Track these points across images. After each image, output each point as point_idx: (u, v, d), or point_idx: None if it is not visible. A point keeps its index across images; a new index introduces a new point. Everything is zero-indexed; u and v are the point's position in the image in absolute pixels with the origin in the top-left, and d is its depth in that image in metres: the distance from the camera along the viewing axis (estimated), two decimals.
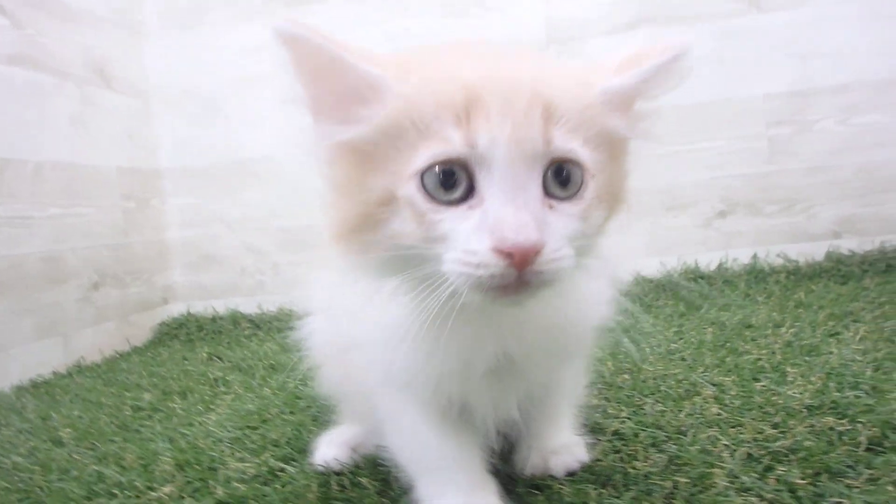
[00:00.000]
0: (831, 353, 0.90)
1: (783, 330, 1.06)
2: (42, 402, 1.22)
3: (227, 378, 1.26)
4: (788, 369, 0.85)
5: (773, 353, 0.94)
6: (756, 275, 1.51)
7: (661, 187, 1.64)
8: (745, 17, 1.57)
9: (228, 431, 0.90)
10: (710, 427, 0.70)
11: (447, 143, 0.40)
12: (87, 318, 1.62)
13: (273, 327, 1.69)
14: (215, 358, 1.46)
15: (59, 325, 1.54)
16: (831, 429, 0.65)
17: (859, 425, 0.64)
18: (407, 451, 0.56)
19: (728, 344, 1.02)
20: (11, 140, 1.45)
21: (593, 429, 0.73)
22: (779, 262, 1.57)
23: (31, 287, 1.46)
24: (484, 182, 0.40)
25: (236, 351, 1.51)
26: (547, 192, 0.42)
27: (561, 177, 0.42)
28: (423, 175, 0.41)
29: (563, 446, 0.63)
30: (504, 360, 0.51)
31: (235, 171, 1.86)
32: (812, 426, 0.66)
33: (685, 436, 0.69)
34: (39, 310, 1.48)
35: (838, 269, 1.46)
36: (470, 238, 0.40)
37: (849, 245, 1.54)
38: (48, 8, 1.58)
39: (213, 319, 1.85)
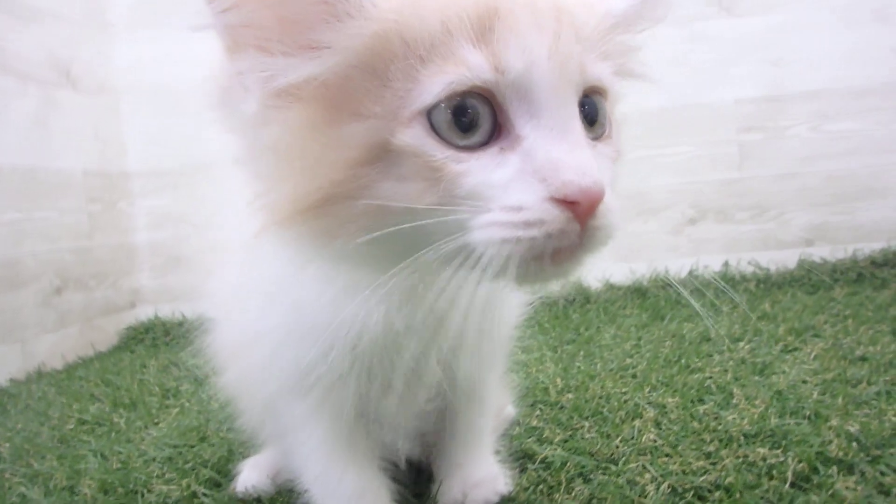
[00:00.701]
0: (783, 372, 0.88)
1: (741, 345, 1.04)
2: None
3: (180, 388, 1.23)
4: (735, 390, 0.82)
5: (725, 370, 0.92)
6: (727, 282, 1.49)
7: (630, 192, 1.61)
8: (714, 20, 1.54)
9: (162, 450, 0.88)
10: (642, 455, 0.68)
11: (467, 67, 0.30)
12: (48, 323, 1.59)
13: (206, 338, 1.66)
14: (173, 366, 1.44)
15: (17, 331, 1.51)
16: (763, 460, 0.63)
17: (790, 456, 0.62)
18: (309, 479, 0.50)
19: (682, 360, 0.99)
20: None
21: (524, 454, 0.71)
22: (750, 269, 1.54)
23: None
24: (520, 116, 0.31)
25: (198, 357, 1.48)
26: None
27: (588, 111, 0.34)
28: (430, 112, 0.30)
29: (483, 479, 0.58)
30: (425, 360, 0.45)
31: (203, 173, 1.83)
32: (744, 457, 0.64)
33: (615, 465, 0.66)
34: None
35: (809, 278, 1.44)
36: (513, 189, 0.31)
37: (821, 253, 1.52)
38: (10, 10, 1.54)
39: (180, 324, 1.83)
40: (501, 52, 0.30)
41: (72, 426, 1.06)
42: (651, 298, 1.47)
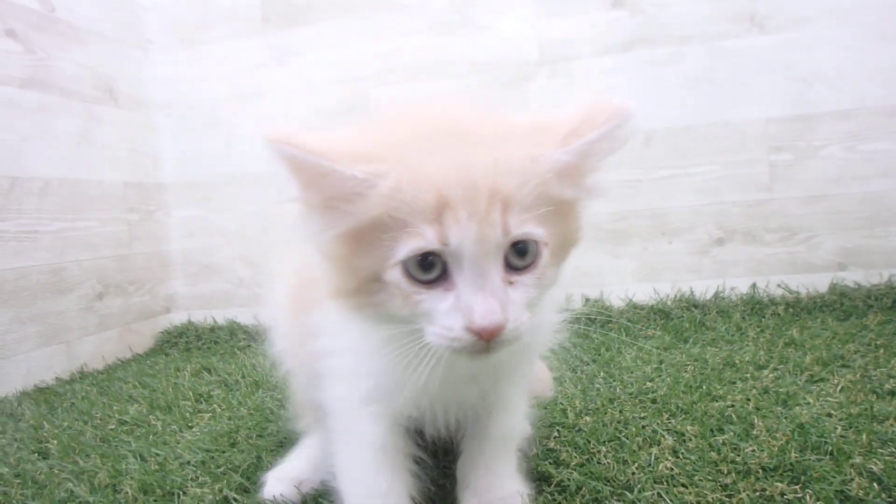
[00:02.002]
0: (807, 403, 0.87)
1: (765, 373, 1.03)
2: (39, 410, 1.26)
3: (212, 393, 1.28)
4: (756, 421, 0.82)
5: (748, 399, 0.92)
6: (753, 306, 1.47)
7: (654, 211, 1.61)
8: (741, 38, 1.53)
9: (196, 454, 0.92)
10: (658, 483, 0.69)
11: (424, 239, 0.46)
12: (90, 326, 1.66)
13: (267, 340, 1.71)
14: (205, 371, 1.49)
15: (63, 334, 1.58)
16: (781, 495, 0.63)
17: (809, 493, 0.62)
18: (346, 478, 0.59)
19: (703, 386, 0.99)
20: (20, 158, 1.50)
21: (541, 476, 0.72)
22: (779, 292, 1.52)
23: (36, 297, 1.51)
24: (455, 271, 0.48)
25: (228, 363, 1.54)
26: (508, 265, 0.49)
27: (518, 249, 0.49)
28: (405, 263, 0.47)
29: (503, 498, 0.63)
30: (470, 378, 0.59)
31: (233, 185, 1.89)
32: (762, 491, 0.64)
33: (630, 492, 0.67)
34: (44, 318, 1.53)
35: (841, 303, 1.41)
36: (447, 317, 0.48)
37: (854, 277, 1.49)
38: (58, 31, 1.63)
39: (212, 329, 1.89)
40: (446, 232, 0.46)
41: (113, 426, 1.11)
42: (675, 320, 1.46)
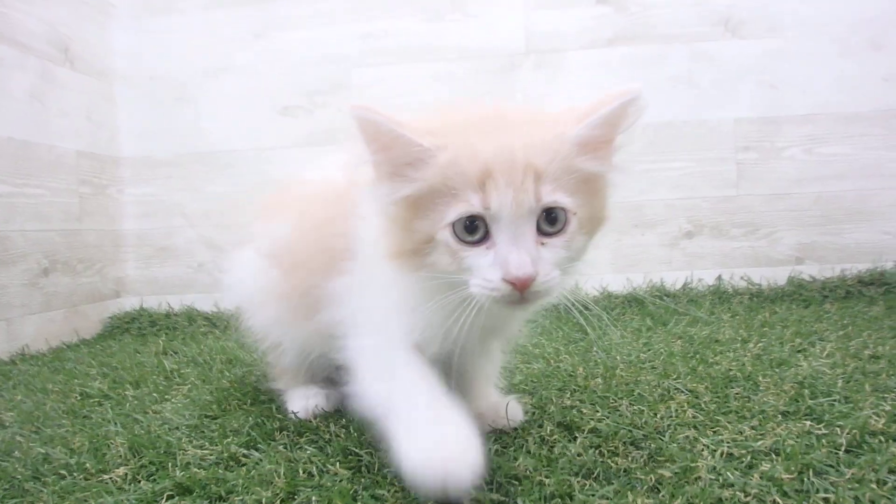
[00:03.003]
0: (800, 365, 0.92)
1: (750, 345, 1.08)
2: None
3: (183, 371, 1.20)
4: (760, 379, 0.85)
5: (744, 364, 0.95)
6: (720, 295, 1.54)
7: (630, 204, 1.66)
8: (717, 41, 1.62)
9: (185, 419, 0.85)
10: (687, 428, 0.70)
11: (470, 204, 0.55)
12: (33, 304, 1.52)
13: (231, 326, 1.62)
14: (169, 352, 1.39)
15: (3, 310, 1.44)
16: (809, 432, 0.65)
17: (837, 429, 0.65)
18: (397, 393, 0.62)
19: (697, 355, 1.03)
20: None
21: (570, 426, 0.72)
22: (742, 284, 1.60)
23: None
24: (495, 233, 0.55)
25: (192, 347, 1.45)
26: (541, 231, 0.56)
27: (550, 217, 0.56)
28: (454, 224, 0.55)
29: (497, 402, 0.75)
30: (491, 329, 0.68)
31: (199, 164, 1.80)
32: (789, 429, 0.66)
33: (663, 436, 0.68)
34: None
35: (800, 294, 1.50)
36: (488, 271, 0.55)
37: (809, 271, 1.59)
38: None
39: (167, 315, 1.78)
40: (488, 198, 0.54)
41: (77, 399, 1.02)
42: (649, 307, 1.50)
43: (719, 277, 1.63)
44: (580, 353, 1.12)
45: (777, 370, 0.91)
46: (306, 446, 0.70)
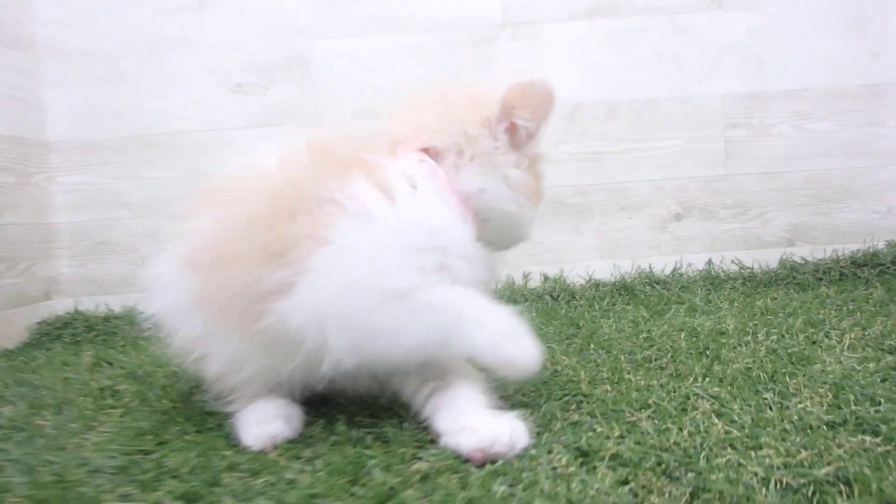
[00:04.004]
0: (825, 360, 0.82)
1: (760, 337, 0.98)
2: None
3: (118, 388, 1.03)
4: (788, 380, 0.75)
5: (762, 361, 0.85)
6: (712, 281, 1.45)
7: (615, 186, 1.55)
8: (702, 13, 1.52)
9: (111, 458, 0.69)
10: (724, 448, 0.58)
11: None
12: None
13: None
14: (104, 363, 1.22)
15: None
16: (867, 449, 0.55)
17: None
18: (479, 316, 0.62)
19: (708, 351, 0.92)
20: None
21: (585, 451, 0.59)
22: (734, 268, 1.52)
23: None
24: None
25: (132, 356, 1.27)
26: None
27: None
28: None
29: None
30: None
31: (141, 148, 1.61)
32: (846, 448, 0.55)
33: (698, 460, 0.56)
34: None
35: (793, 277, 1.42)
36: None
37: (801, 253, 1.52)
38: None
39: (106, 318, 1.59)
40: None
41: None
42: (640, 296, 1.40)
43: (710, 262, 1.54)
44: (576, 351, 1.00)
45: (801, 367, 0.80)
46: (261, 497, 0.56)
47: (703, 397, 0.72)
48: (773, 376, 0.77)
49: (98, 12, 1.60)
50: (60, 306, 1.64)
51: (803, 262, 1.48)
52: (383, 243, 0.62)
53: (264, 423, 0.70)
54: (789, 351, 0.88)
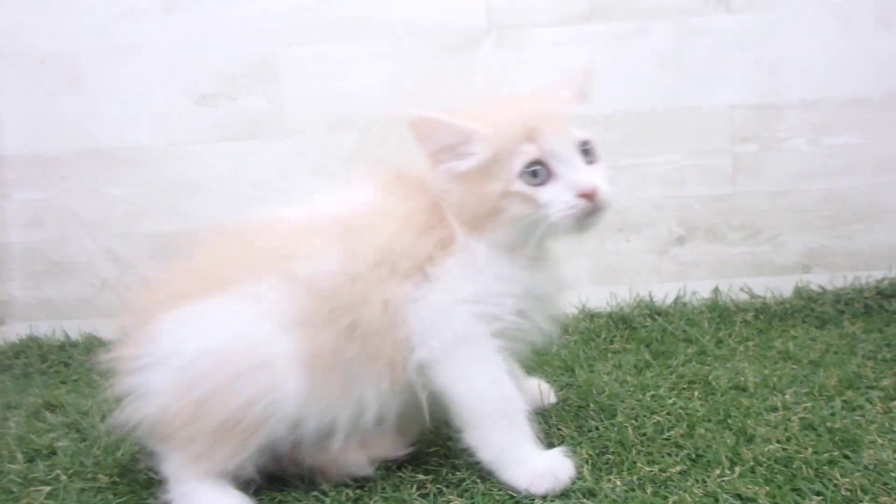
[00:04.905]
0: (874, 442, 0.70)
1: (789, 399, 0.86)
2: None
3: (57, 445, 0.92)
4: (838, 476, 0.63)
5: (798, 440, 0.73)
6: (720, 313, 1.33)
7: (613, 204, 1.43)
8: (707, 15, 1.39)
9: None
10: None
11: (528, 153, 0.69)
12: None
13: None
14: (47, 410, 1.09)
15: None
16: None
17: None
18: (487, 398, 0.69)
19: (729, 421, 0.80)
20: None
21: None
22: (744, 297, 1.40)
23: None
24: (556, 167, 0.68)
25: (84, 394, 1.16)
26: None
27: (586, 149, 0.71)
28: (521, 174, 0.68)
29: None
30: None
31: (99, 162, 1.48)
32: None
33: None
34: None
35: (811, 309, 1.31)
36: (562, 195, 0.68)
37: (818, 280, 1.40)
38: None
39: (62, 347, 1.46)
40: (542, 143, 0.69)
41: None
42: (640, 330, 1.27)
43: (716, 289, 1.42)
44: (573, 413, 0.87)
45: (849, 454, 0.68)
46: None
47: (734, 498, 0.60)
48: (818, 469, 0.65)
49: (55, 16, 1.46)
50: (13, 332, 1.52)
51: (822, 290, 1.37)
52: None
53: None
54: (828, 425, 0.76)
